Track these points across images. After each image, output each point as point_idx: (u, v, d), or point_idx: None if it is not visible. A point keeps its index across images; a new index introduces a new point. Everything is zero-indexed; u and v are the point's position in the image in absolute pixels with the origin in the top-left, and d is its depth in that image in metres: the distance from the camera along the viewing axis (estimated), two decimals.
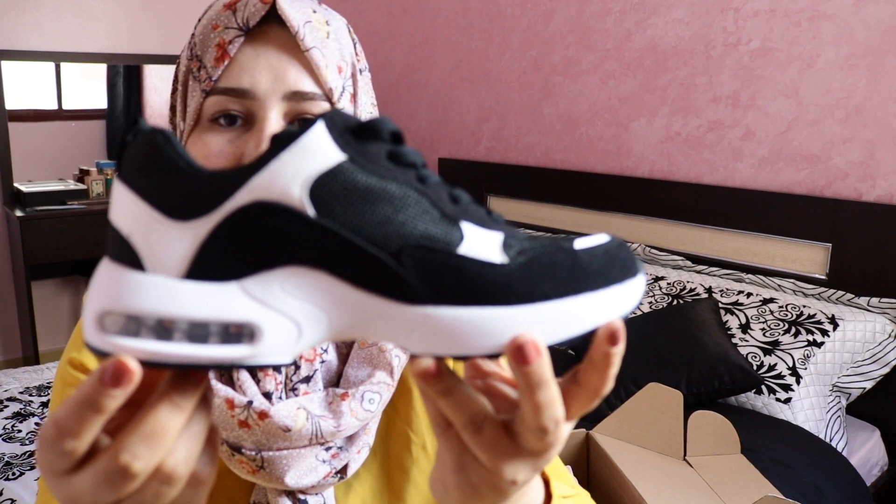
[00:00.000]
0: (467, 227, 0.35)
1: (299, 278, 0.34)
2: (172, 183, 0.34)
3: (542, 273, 0.34)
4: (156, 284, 0.33)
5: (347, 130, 0.35)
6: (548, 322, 0.34)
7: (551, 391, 0.35)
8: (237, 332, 0.33)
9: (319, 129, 0.34)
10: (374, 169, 0.35)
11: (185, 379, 0.34)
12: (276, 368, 0.63)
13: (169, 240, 0.33)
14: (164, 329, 0.33)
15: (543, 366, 0.34)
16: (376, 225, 0.34)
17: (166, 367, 0.33)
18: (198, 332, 0.33)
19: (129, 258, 0.34)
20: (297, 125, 0.60)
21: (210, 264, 0.33)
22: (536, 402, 0.35)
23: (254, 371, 0.63)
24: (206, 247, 0.33)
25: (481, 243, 0.35)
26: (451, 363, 0.69)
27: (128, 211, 0.34)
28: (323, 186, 0.34)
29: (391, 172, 0.35)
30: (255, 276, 0.34)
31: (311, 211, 0.33)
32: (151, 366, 0.33)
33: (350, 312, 0.34)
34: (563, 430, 0.37)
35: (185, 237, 0.33)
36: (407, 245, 0.34)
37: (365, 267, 0.33)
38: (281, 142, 0.34)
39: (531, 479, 0.39)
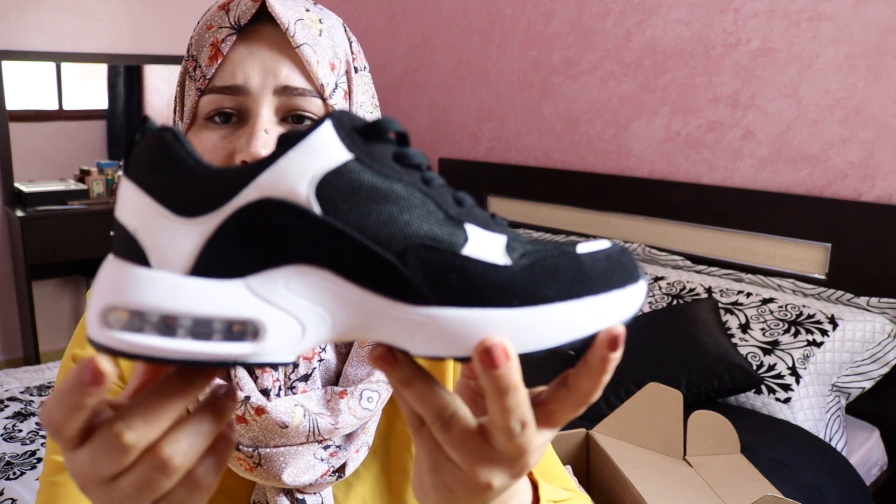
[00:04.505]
0: (471, 229, 0.35)
1: (304, 277, 0.34)
2: (180, 180, 0.34)
3: (545, 276, 0.34)
4: (161, 280, 0.33)
5: (354, 130, 0.35)
6: (549, 325, 0.34)
7: (519, 395, 0.35)
8: (241, 330, 0.33)
9: (327, 128, 0.34)
10: (379, 169, 0.35)
11: (193, 373, 0.35)
12: (275, 367, 0.63)
13: (175, 236, 0.33)
14: (167, 325, 0.33)
15: (512, 370, 0.34)
16: (381, 224, 0.34)
17: (169, 364, 0.33)
18: (201, 329, 0.33)
19: (135, 254, 0.34)
20: (290, 121, 0.60)
21: (215, 261, 0.33)
22: (504, 406, 0.35)
23: (251, 369, 0.63)
24: (212, 244, 0.33)
25: (485, 245, 0.35)
26: (447, 364, 0.69)
27: (134, 207, 0.34)
28: (329, 185, 0.34)
29: (396, 173, 0.35)
30: (261, 273, 0.34)
31: (317, 209, 0.33)
32: (154, 362, 0.33)
33: (354, 312, 0.34)
34: (534, 435, 0.37)
35: (192, 234, 0.33)
36: (411, 245, 0.34)
37: (369, 266, 0.34)
38: (289, 140, 0.34)
39: (509, 486, 0.39)
